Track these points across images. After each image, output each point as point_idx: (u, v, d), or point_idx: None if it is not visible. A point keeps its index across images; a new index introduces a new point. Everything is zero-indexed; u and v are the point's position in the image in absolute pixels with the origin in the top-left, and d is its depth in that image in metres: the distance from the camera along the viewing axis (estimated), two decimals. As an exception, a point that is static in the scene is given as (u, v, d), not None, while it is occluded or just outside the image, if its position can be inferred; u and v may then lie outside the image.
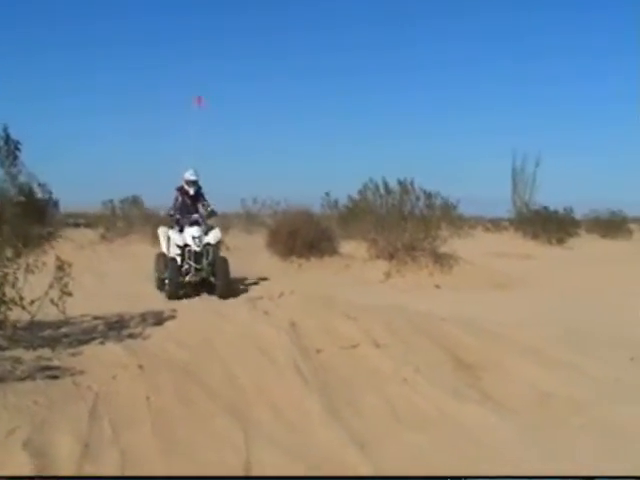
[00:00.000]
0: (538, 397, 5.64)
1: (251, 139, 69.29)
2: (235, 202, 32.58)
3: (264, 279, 14.15)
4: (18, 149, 5.55)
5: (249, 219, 31.57)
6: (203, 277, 12.33)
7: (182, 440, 4.73)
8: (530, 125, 63.52)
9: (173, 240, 12.44)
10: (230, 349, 6.15)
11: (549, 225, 28.83)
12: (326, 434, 4.91)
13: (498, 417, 5.23)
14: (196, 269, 12.23)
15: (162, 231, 12.98)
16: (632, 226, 33.44)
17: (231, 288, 12.19)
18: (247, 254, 18.44)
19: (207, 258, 12.25)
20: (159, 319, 7.20)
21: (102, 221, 25.43)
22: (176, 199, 12.75)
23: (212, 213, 12.86)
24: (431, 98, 71.57)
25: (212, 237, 12.49)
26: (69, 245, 19.08)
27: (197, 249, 12.19)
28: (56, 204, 31.98)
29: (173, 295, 11.71)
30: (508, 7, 67.48)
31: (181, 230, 12.44)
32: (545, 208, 30.89)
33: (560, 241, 28.08)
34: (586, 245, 27.40)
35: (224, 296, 11.48)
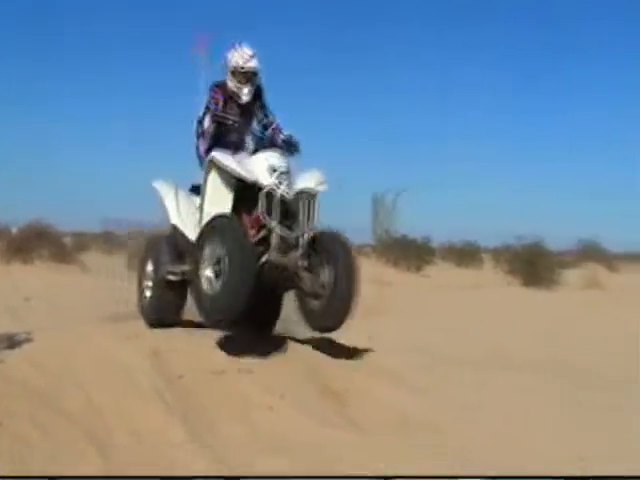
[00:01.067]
0: (399, 421, 5.82)
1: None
2: (94, 222, 31.71)
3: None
4: None
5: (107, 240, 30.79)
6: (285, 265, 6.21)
7: (37, 468, 4.57)
8: (391, 153, 65.39)
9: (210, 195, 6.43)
10: (91, 374, 5.97)
11: (408, 253, 29.77)
12: (187, 460, 4.87)
13: (359, 440, 5.36)
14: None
15: (167, 188, 7.21)
16: (484, 255, 35.05)
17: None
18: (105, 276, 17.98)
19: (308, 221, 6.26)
20: (12, 342, 6.88)
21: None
22: (207, 113, 6.72)
23: (291, 144, 6.66)
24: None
25: (313, 180, 6.47)
26: None
27: (287, 196, 6.20)
28: None
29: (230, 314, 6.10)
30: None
31: None
32: (404, 236, 31.88)
33: (418, 268, 29.04)
34: (441, 273, 28.47)
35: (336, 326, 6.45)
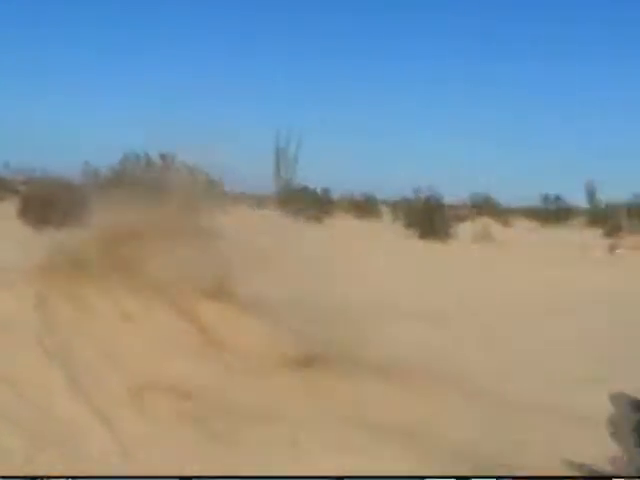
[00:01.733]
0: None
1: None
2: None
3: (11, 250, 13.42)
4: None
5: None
6: None
7: None
8: (293, 104, 64.88)
9: None
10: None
11: (308, 204, 29.99)
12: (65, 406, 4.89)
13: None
14: None
15: None
16: (384, 209, 35.61)
17: None
18: (-3, 222, 17.48)
19: None
20: None
21: None
22: None
23: None
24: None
25: None
26: None
27: None
28: None
29: None
30: None
31: None
32: (305, 187, 32.08)
33: (318, 219, 29.30)
34: (341, 224, 28.80)
35: None
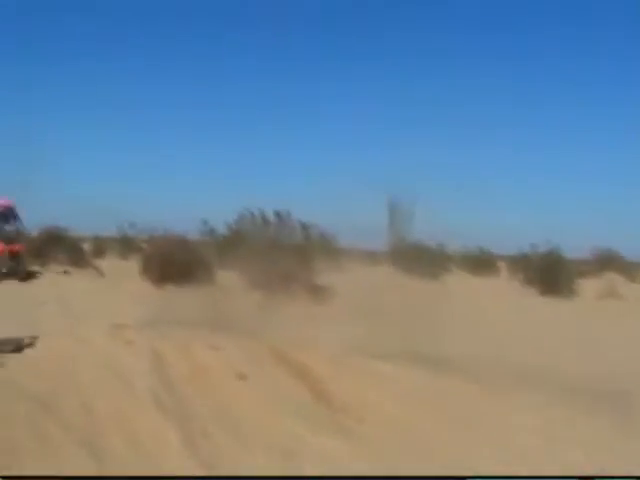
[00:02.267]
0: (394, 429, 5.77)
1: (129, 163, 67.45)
2: (112, 225, 31.95)
3: (132, 306, 13.84)
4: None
5: (124, 243, 31.00)
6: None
7: (31, 471, 4.56)
8: (408, 159, 64.92)
9: None
10: (89, 378, 5.98)
11: (423, 260, 29.61)
12: (180, 466, 4.87)
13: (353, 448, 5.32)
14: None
15: None
16: (500, 264, 34.76)
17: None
18: (121, 280, 18.12)
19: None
20: (17, 346, 6.91)
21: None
22: None
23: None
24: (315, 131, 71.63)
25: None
26: None
27: None
28: None
29: None
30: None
31: None
32: (419, 243, 31.71)
33: (433, 276, 28.84)
34: (456, 281, 28.28)
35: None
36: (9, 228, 17.16)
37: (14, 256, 16.39)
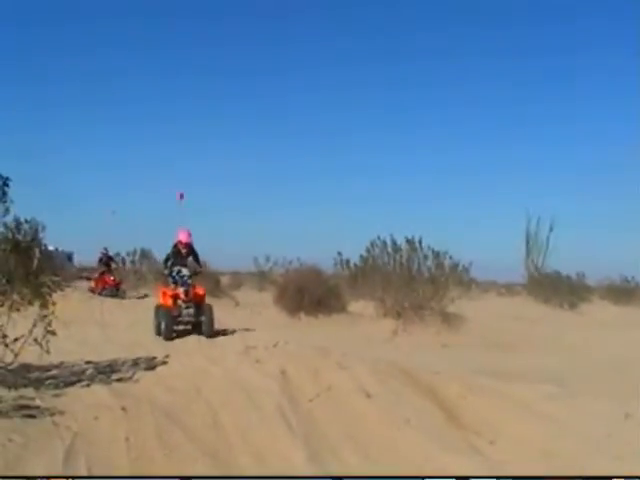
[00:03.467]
0: (529, 452, 5.49)
1: (262, 200, 69.07)
2: (248, 260, 32.78)
3: (267, 333, 14.05)
4: (7, 185, 5.33)
5: (261, 277, 31.65)
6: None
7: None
8: (544, 189, 62.92)
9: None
10: (217, 395, 6.07)
11: (561, 289, 28.61)
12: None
13: (487, 469, 5.08)
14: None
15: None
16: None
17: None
18: (255, 309, 18.45)
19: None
20: (151, 364, 7.14)
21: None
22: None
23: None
24: (440, 159, 70.70)
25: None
26: (77, 294, 19.13)
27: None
28: (70, 257, 32.05)
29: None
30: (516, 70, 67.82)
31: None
32: (557, 272, 30.70)
33: (572, 306, 27.80)
34: (596, 311, 27.09)
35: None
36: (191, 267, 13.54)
37: (199, 303, 12.88)
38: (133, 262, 26.23)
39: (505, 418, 6.11)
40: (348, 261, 20.85)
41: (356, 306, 17.83)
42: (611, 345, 14.74)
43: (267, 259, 31.13)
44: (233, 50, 62.63)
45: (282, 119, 67.60)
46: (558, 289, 28.74)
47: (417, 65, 63.07)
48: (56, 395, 5.81)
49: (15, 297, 5.66)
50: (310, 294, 17.30)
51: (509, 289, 39.45)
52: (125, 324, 15.09)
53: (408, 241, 16.94)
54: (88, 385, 6.21)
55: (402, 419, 5.85)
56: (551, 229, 36.92)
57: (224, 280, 30.04)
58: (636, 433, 5.80)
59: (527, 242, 37.81)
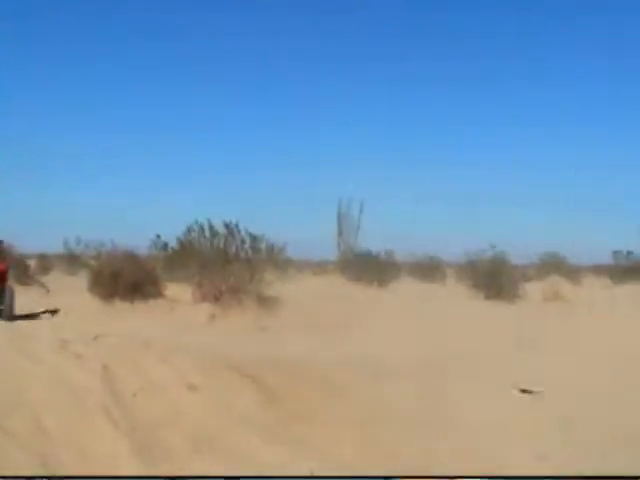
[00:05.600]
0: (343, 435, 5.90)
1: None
2: (57, 242, 31.61)
3: (81, 322, 13.75)
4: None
5: (72, 260, 30.66)
6: None
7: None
8: (355, 169, 65.17)
9: None
10: (39, 394, 5.97)
11: (371, 268, 29.94)
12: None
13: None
14: None
15: None
16: (448, 271, 35.28)
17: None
18: (67, 296, 17.94)
19: None
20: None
21: None
22: None
23: None
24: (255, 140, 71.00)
25: None
26: None
27: None
28: None
29: None
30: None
31: None
32: (368, 252, 32.08)
33: (381, 283, 29.18)
34: (405, 288, 28.60)
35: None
36: None
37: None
38: None
39: (324, 402, 6.49)
40: (166, 244, 20.67)
41: (173, 290, 17.76)
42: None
43: (78, 241, 30.14)
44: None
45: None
46: (368, 267, 30.05)
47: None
48: None
49: None
50: (125, 279, 17.05)
51: (323, 268, 40.67)
52: None
53: (226, 225, 17.13)
54: None
55: (225, 409, 6.07)
56: (361, 209, 38.48)
57: (31, 264, 28.82)
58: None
59: (339, 221, 39.23)
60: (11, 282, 14.40)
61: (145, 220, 47.83)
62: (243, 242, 17.21)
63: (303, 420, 6.21)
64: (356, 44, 65.35)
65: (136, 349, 7.24)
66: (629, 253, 37.33)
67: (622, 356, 10.09)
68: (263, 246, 17.66)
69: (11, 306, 12.02)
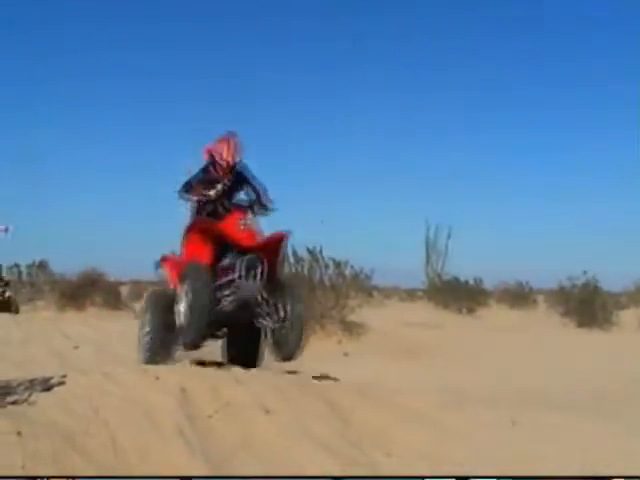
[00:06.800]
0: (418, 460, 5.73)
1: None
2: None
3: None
4: None
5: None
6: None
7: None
8: (442, 197, 64.69)
9: None
10: (116, 415, 6.03)
11: (459, 295, 29.50)
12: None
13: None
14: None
15: None
16: (538, 297, 34.45)
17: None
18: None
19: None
20: (47, 384, 6.99)
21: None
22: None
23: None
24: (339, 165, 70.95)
25: None
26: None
27: None
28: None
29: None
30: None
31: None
32: (456, 279, 31.63)
33: (470, 311, 28.70)
34: (494, 315, 28.04)
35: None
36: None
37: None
38: (30, 274, 25.45)
39: (399, 428, 6.34)
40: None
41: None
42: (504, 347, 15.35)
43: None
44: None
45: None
46: (457, 294, 29.62)
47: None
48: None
49: None
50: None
51: (410, 294, 40.34)
52: (19, 340, 14.73)
53: (309, 251, 17.17)
54: (-21, 410, 6.05)
55: (300, 432, 5.99)
56: (449, 236, 37.96)
57: (123, 290, 29.53)
58: (523, 439, 6.14)
59: (427, 248, 38.79)
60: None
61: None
62: (327, 267, 17.21)
63: (380, 446, 6.07)
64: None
65: (213, 372, 7.25)
66: None
67: None
68: (347, 272, 17.62)
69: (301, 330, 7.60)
